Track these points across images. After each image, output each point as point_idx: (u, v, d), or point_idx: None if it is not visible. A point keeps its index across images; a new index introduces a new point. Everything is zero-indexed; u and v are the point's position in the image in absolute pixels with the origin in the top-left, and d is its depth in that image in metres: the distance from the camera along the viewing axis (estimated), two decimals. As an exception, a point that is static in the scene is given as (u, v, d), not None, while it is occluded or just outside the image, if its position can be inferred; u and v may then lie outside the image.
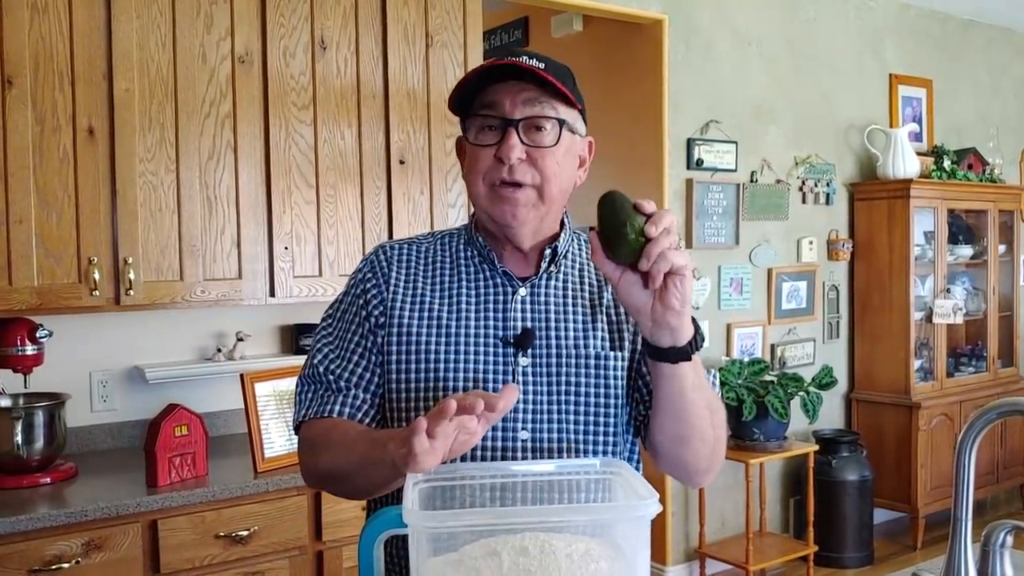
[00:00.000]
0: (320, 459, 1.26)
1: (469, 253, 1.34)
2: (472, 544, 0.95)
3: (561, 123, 1.26)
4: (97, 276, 2.49)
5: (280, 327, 3.18)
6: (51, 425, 2.49)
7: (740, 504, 4.26)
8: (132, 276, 2.54)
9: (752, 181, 4.37)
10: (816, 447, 4.21)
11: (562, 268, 1.34)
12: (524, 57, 1.25)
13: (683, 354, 1.14)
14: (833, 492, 4.29)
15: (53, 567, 2.19)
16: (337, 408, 1.28)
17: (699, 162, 4.14)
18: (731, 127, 4.28)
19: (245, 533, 2.45)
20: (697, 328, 1.17)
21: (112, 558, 2.28)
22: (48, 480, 2.46)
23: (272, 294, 2.81)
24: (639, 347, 1.32)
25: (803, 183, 4.60)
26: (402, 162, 3.02)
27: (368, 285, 1.32)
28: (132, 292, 2.54)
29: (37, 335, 2.53)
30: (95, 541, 2.26)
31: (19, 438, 2.42)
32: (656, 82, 4.08)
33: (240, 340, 3.01)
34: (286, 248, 2.82)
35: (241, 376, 2.61)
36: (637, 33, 4.14)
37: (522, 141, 1.24)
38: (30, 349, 2.52)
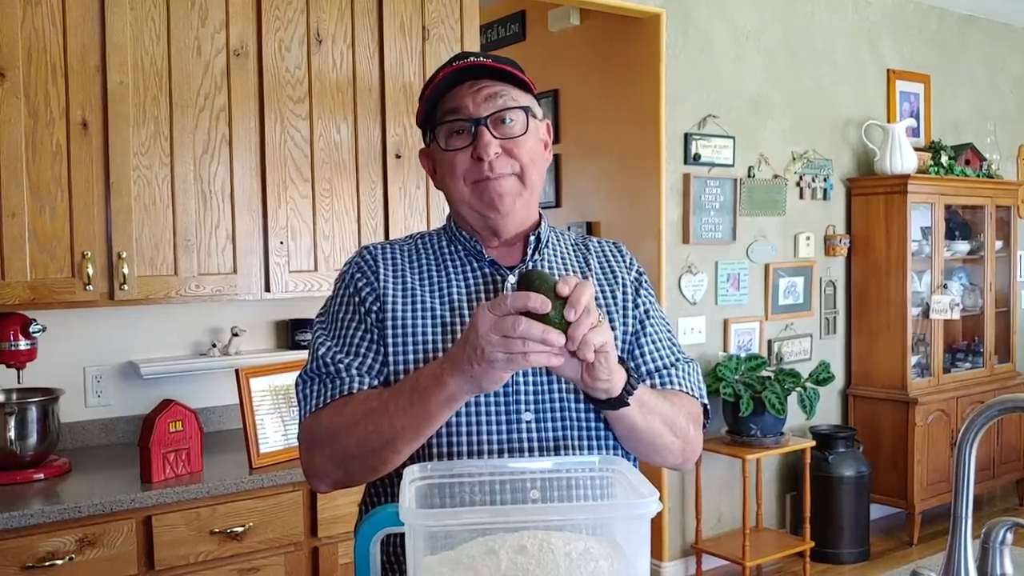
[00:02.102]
0: (338, 440, 1.21)
1: (453, 249, 1.36)
2: (470, 542, 0.94)
3: (526, 110, 1.31)
4: (91, 270, 2.47)
5: (275, 322, 3.16)
6: (44, 420, 2.48)
7: (737, 500, 4.26)
8: (126, 270, 2.52)
9: (749, 176, 4.36)
10: (813, 443, 4.21)
11: (546, 256, 1.37)
12: (470, 58, 1.30)
13: (620, 402, 1.17)
14: (830, 488, 4.29)
15: (47, 563, 2.18)
16: (347, 389, 1.24)
17: (696, 157, 4.13)
18: (729, 122, 4.27)
19: (240, 529, 2.44)
20: (629, 372, 1.18)
21: (106, 554, 2.26)
22: (42, 476, 2.44)
23: (267, 289, 2.79)
24: (629, 333, 1.35)
25: (800, 178, 4.59)
26: (398, 156, 3.01)
27: (360, 284, 1.32)
28: (126, 287, 2.53)
29: (30, 330, 2.51)
30: (89, 537, 2.24)
31: (12, 433, 2.41)
32: (653, 76, 4.06)
33: (235, 335, 3.00)
34: (281, 243, 2.80)
35: (236, 371, 2.60)
36: (635, 27, 4.13)
37: (494, 136, 1.27)
38: (23, 344, 2.51)
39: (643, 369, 1.34)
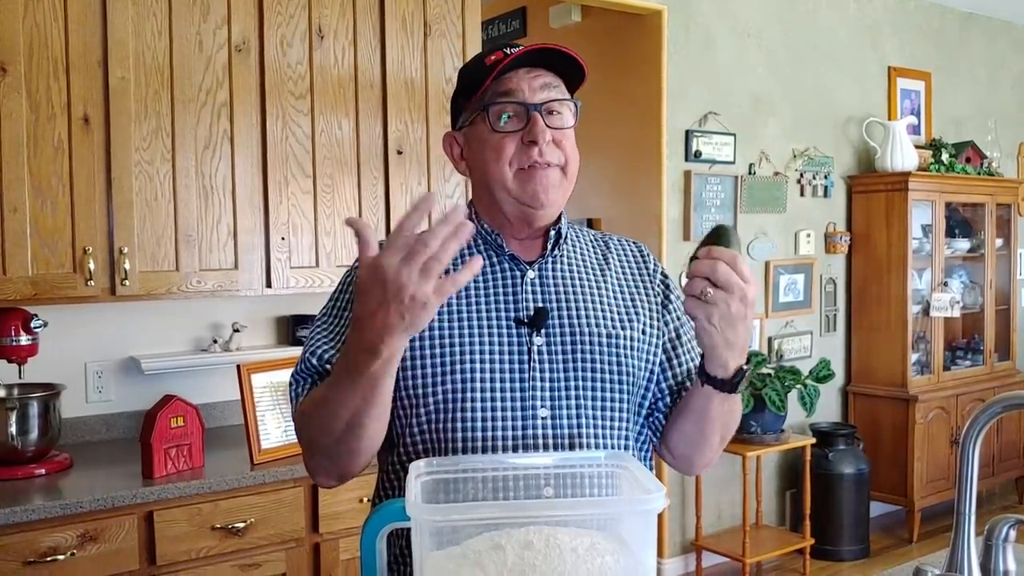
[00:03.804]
0: (312, 430, 1.19)
1: (472, 242, 1.34)
2: (476, 538, 0.94)
3: (575, 105, 1.32)
4: (92, 266, 2.47)
5: (276, 318, 3.16)
6: (46, 416, 2.48)
7: (737, 497, 4.27)
8: (127, 266, 2.52)
9: (750, 173, 4.36)
10: (813, 440, 4.21)
11: (565, 251, 1.36)
12: (520, 47, 1.29)
13: (725, 385, 1.20)
14: (830, 485, 4.29)
15: (48, 559, 2.18)
16: None
17: (697, 154, 4.13)
18: (729, 119, 4.27)
19: (241, 525, 2.44)
20: (742, 367, 1.20)
21: (108, 550, 2.26)
22: (43, 471, 2.44)
23: (268, 285, 2.79)
24: (652, 336, 1.34)
25: (801, 176, 4.59)
26: (400, 152, 3.00)
27: None
28: (127, 282, 2.52)
29: (32, 325, 2.51)
30: (90, 533, 2.24)
31: (14, 429, 2.40)
32: (655, 73, 4.06)
33: (236, 331, 3.00)
34: (283, 239, 2.80)
35: (238, 367, 2.59)
36: (636, 24, 4.12)
37: (546, 125, 1.27)
38: (24, 339, 2.50)
39: (680, 370, 1.35)
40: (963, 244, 5.08)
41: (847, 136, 4.81)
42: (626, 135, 4.19)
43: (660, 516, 4.04)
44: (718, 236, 1.13)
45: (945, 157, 4.88)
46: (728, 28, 4.27)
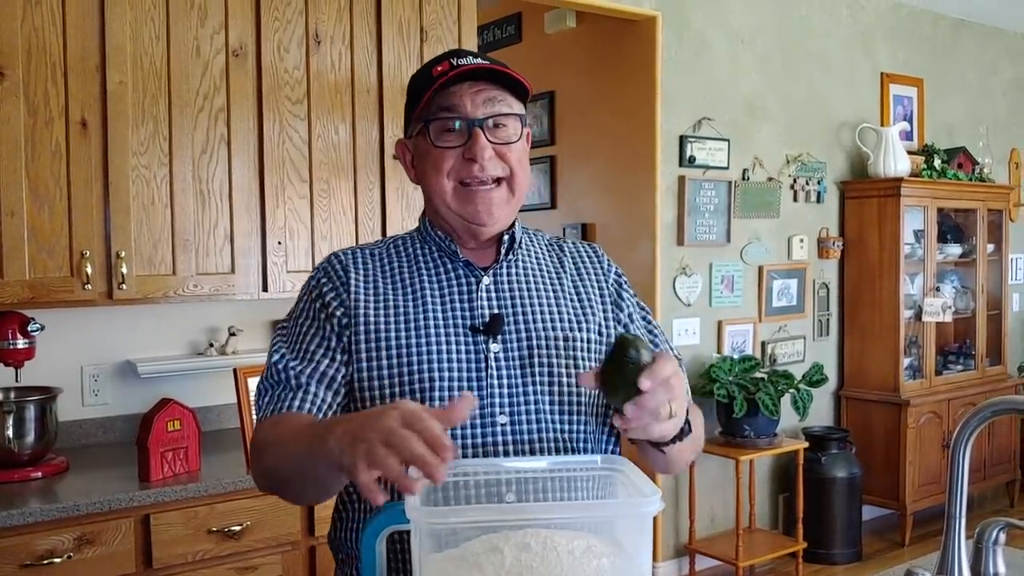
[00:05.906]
0: (264, 456, 1.22)
1: (426, 250, 1.35)
2: (474, 540, 0.95)
3: (520, 118, 1.31)
4: (89, 270, 2.48)
5: (272, 322, 3.17)
6: (42, 419, 2.48)
7: (730, 500, 4.28)
8: (124, 270, 2.53)
9: (744, 179, 4.38)
10: (806, 444, 4.23)
11: (520, 256, 1.37)
12: (468, 57, 1.28)
13: (672, 441, 1.15)
14: (822, 489, 4.31)
15: (45, 562, 2.18)
16: (296, 404, 1.25)
17: (691, 159, 4.15)
18: (723, 124, 4.29)
19: (238, 528, 2.45)
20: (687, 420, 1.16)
21: (104, 553, 2.27)
22: (39, 474, 2.44)
23: (265, 288, 2.80)
24: (610, 337, 1.35)
25: (794, 181, 4.62)
26: (396, 157, 3.01)
27: (325, 290, 1.31)
28: (124, 286, 2.53)
29: (28, 329, 2.51)
30: (87, 536, 2.25)
31: (10, 432, 2.41)
32: (649, 79, 4.08)
33: (232, 335, 3.01)
34: (279, 243, 2.81)
35: (234, 371, 2.60)
36: (630, 30, 4.15)
37: (488, 140, 1.27)
38: (21, 343, 2.51)
39: None
40: (955, 249, 5.11)
41: (840, 142, 4.83)
42: (620, 140, 4.21)
43: (654, 519, 4.07)
44: (628, 351, 1.06)
45: (937, 163, 4.91)
46: (722, 34, 4.29)
